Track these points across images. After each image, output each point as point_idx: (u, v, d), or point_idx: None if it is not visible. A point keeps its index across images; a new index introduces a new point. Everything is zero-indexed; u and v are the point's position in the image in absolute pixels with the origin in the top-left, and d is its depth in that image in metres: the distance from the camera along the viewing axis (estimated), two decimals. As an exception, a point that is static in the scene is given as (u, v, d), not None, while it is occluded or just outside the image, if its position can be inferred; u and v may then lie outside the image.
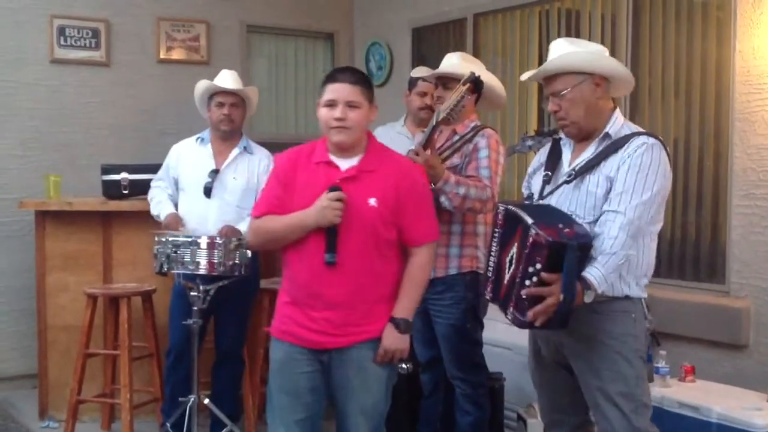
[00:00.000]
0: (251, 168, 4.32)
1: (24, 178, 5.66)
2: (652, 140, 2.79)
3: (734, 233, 4.28)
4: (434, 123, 3.49)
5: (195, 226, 4.16)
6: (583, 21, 5.19)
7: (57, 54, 5.82)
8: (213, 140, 4.37)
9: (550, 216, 2.73)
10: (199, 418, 4.10)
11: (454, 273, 3.65)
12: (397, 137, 4.63)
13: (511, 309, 2.69)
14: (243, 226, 4.12)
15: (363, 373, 2.90)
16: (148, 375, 4.71)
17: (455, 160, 3.62)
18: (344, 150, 2.89)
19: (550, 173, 2.95)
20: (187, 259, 3.84)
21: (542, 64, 2.93)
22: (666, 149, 2.82)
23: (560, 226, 2.65)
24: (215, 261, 3.85)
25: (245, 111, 4.41)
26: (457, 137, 3.68)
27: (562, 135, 2.99)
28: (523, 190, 3.13)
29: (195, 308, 3.93)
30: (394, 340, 2.89)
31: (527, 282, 2.63)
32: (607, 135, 2.84)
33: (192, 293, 3.93)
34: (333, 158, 2.91)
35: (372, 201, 2.84)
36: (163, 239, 3.89)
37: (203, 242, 3.85)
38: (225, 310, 4.19)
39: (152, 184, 4.50)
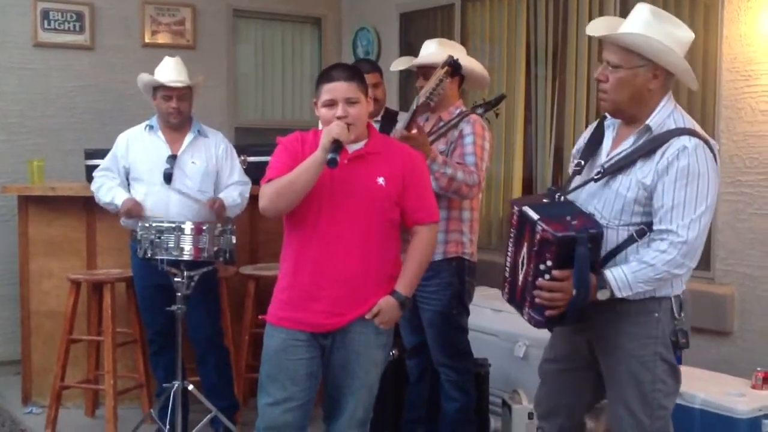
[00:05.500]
0: (208, 151, 4.23)
1: (7, 163, 5.62)
2: (694, 141, 2.54)
3: (720, 220, 4.28)
4: (414, 108, 3.47)
5: (157, 214, 4.03)
6: (571, 8, 5.17)
7: (41, 38, 5.77)
8: (163, 129, 4.23)
9: (558, 209, 2.62)
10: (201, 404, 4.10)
11: (440, 259, 3.62)
12: None
13: (527, 309, 2.63)
14: (223, 197, 4.14)
15: (363, 357, 2.93)
16: (132, 361, 4.68)
17: (441, 146, 3.59)
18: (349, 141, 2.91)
19: (583, 162, 2.77)
20: (171, 244, 3.79)
21: (622, 24, 2.68)
22: (710, 146, 2.59)
23: (567, 218, 2.53)
24: (201, 246, 3.81)
25: (192, 98, 4.25)
26: (442, 123, 3.66)
27: (608, 115, 2.77)
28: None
29: (179, 294, 3.87)
30: (390, 310, 2.92)
31: (539, 280, 2.54)
32: (648, 128, 2.63)
33: (176, 279, 3.86)
34: None
35: (380, 180, 2.89)
36: (147, 224, 3.84)
37: (188, 228, 3.80)
38: (195, 300, 3.99)
39: (96, 174, 4.29)
